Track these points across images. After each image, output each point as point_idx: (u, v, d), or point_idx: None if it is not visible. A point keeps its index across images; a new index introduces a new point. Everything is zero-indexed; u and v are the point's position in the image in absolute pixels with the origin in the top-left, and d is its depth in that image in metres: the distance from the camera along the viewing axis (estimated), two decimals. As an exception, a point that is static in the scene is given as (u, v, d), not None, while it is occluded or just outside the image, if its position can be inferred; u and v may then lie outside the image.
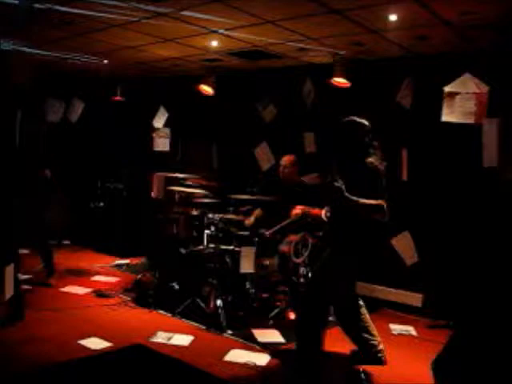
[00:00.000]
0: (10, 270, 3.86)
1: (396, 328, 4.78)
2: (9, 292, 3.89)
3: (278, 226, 4.81)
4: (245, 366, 3.68)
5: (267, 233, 4.94)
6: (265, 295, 4.94)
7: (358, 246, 3.48)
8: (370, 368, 3.70)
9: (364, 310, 3.85)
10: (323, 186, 4.04)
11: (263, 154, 6.45)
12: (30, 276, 5.50)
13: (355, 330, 3.79)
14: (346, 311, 3.84)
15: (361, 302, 3.86)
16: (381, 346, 3.79)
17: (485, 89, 4.45)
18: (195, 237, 5.35)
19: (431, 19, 4.12)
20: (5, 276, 3.77)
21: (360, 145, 3.53)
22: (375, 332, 3.80)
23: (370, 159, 3.48)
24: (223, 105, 6.84)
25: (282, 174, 5.32)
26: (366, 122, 3.60)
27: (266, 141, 6.44)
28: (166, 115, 7.23)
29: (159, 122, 7.34)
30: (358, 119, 3.60)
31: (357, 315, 3.79)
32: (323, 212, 3.95)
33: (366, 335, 3.76)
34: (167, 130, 7.10)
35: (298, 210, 4.35)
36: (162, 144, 6.95)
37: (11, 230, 4.45)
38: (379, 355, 3.76)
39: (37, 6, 4.29)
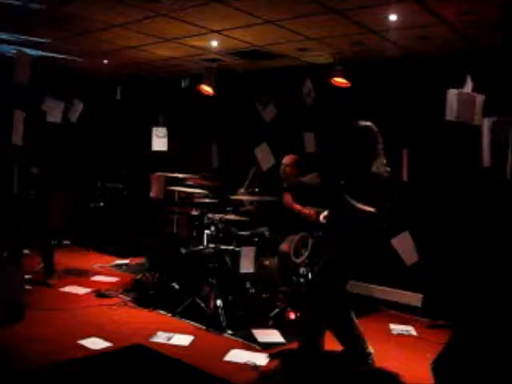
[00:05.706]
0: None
1: (396, 328, 4.78)
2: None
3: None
4: (245, 366, 3.67)
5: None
6: (265, 295, 4.93)
7: (357, 246, 3.48)
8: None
9: (351, 314, 3.82)
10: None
11: (263, 154, 6.43)
12: (30, 276, 5.50)
13: (343, 331, 3.75)
14: (334, 312, 3.82)
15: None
16: (369, 350, 3.73)
17: (484, 89, 4.44)
18: (195, 237, 5.34)
19: (431, 19, 4.13)
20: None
21: (371, 152, 3.47)
22: (361, 334, 3.74)
23: (375, 167, 3.45)
24: (223, 104, 6.84)
25: (283, 172, 5.33)
26: (375, 128, 3.55)
27: (265, 141, 6.44)
28: (163, 115, 7.23)
29: (157, 121, 7.33)
30: (371, 124, 3.55)
31: (346, 318, 3.77)
32: (321, 216, 3.95)
33: (353, 338, 3.72)
34: (165, 130, 7.10)
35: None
36: (160, 144, 6.93)
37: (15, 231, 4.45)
38: (368, 358, 3.70)
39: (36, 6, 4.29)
